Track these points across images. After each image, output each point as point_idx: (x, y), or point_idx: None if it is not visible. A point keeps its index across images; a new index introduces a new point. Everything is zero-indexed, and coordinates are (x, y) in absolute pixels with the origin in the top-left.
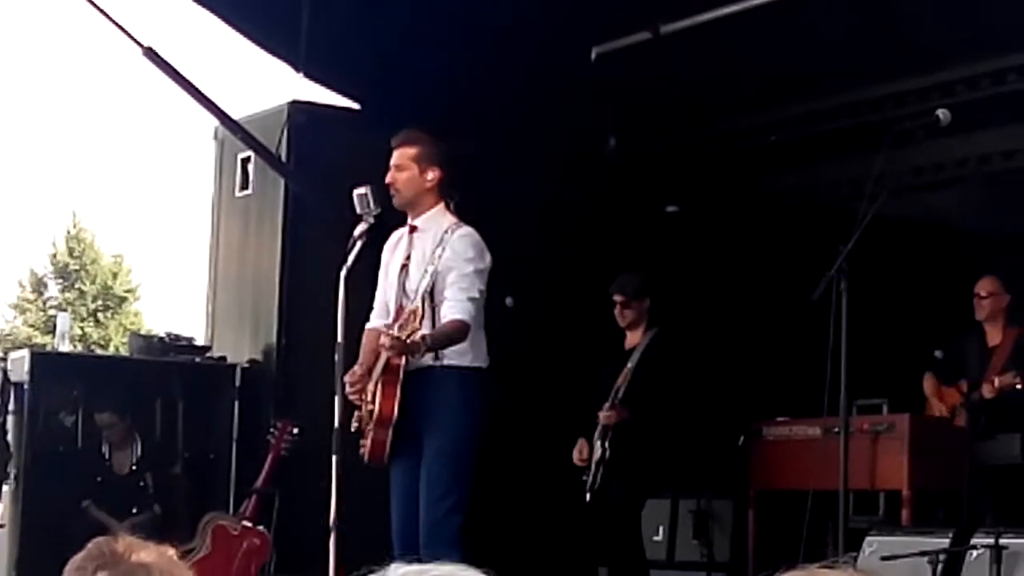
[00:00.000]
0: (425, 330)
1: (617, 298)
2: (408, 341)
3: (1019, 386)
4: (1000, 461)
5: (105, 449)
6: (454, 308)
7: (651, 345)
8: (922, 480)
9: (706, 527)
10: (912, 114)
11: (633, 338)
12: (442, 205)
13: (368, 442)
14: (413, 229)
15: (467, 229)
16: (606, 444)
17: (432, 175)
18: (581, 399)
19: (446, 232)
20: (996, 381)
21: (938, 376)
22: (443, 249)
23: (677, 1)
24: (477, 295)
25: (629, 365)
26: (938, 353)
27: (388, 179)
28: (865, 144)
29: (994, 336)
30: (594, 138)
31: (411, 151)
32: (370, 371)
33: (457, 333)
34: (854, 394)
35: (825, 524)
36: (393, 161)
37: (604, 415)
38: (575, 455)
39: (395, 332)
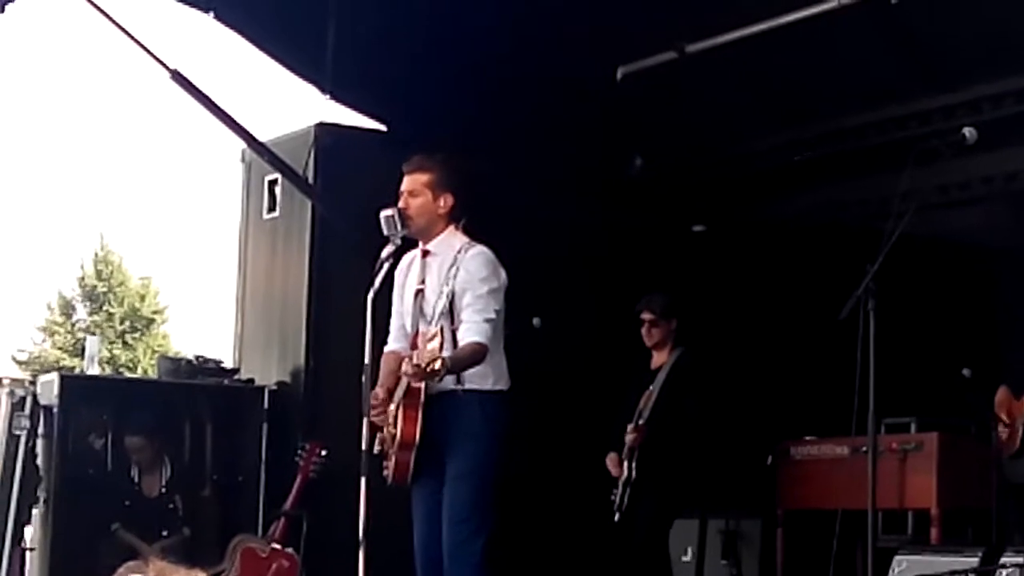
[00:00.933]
0: (445, 352)
1: (645, 316)
2: (428, 369)
3: None
4: None
5: (134, 472)
6: (471, 330)
7: (677, 365)
8: (951, 498)
9: (734, 547)
10: (938, 132)
11: (659, 358)
12: (453, 227)
13: (391, 464)
14: (426, 253)
15: (479, 248)
16: (632, 464)
17: (445, 201)
18: (607, 419)
19: (459, 252)
20: None
21: (1012, 388)
22: (457, 270)
23: (702, 21)
24: (493, 315)
25: (653, 386)
26: (966, 371)
27: (401, 205)
28: (891, 162)
29: None
30: (620, 158)
31: (424, 177)
32: (391, 393)
33: (475, 355)
34: (882, 413)
35: (854, 543)
36: (406, 187)
37: (629, 437)
38: (609, 466)
39: (415, 359)
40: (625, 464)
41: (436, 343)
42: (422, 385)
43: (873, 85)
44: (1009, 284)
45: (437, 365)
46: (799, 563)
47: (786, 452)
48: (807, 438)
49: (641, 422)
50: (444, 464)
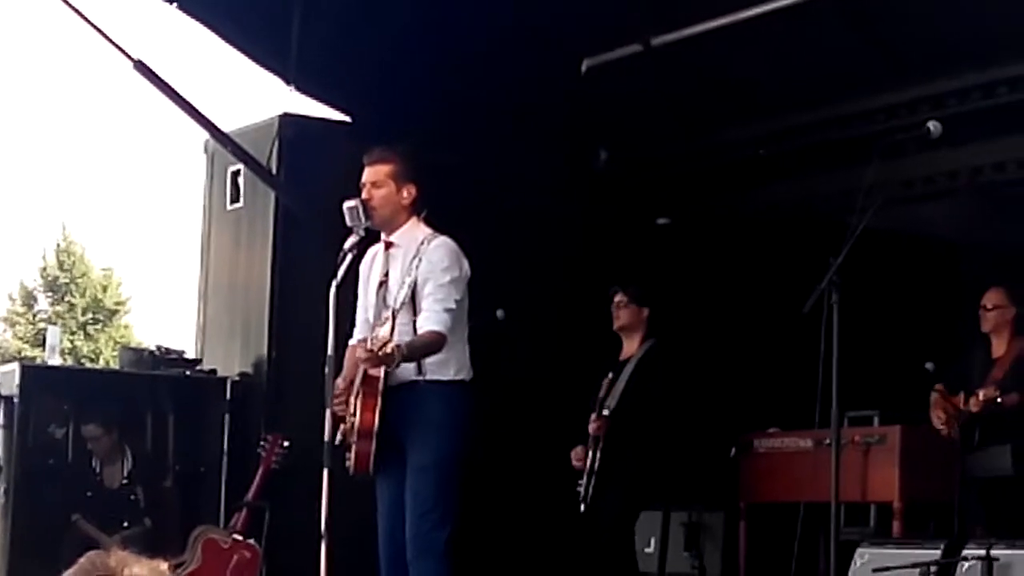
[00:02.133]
0: (404, 339)
1: (617, 297)
2: (381, 353)
3: (999, 400)
4: (991, 473)
5: (95, 463)
6: (430, 319)
7: (646, 357)
8: (913, 492)
9: (697, 539)
10: (903, 126)
11: (629, 348)
12: (415, 219)
13: (353, 454)
14: (389, 245)
15: (442, 239)
16: (596, 455)
17: (408, 192)
18: (574, 411)
19: (422, 243)
20: (981, 395)
21: (948, 387)
22: (419, 260)
23: (668, 13)
24: (453, 305)
25: (621, 376)
26: (929, 365)
27: (364, 196)
28: (856, 156)
29: (999, 347)
30: (585, 150)
31: (386, 168)
32: (353, 384)
33: (433, 344)
34: (845, 406)
35: (816, 536)
36: (368, 179)
37: (592, 427)
38: (573, 459)
39: (368, 344)
40: (589, 454)
41: (387, 328)
42: (380, 373)
43: (838, 79)
44: (973, 278)
45: (388, 348)
46: (762, 556)
47: (749, 444)
48: (770, 430)
49: (605, 412)
50: (407, 455)
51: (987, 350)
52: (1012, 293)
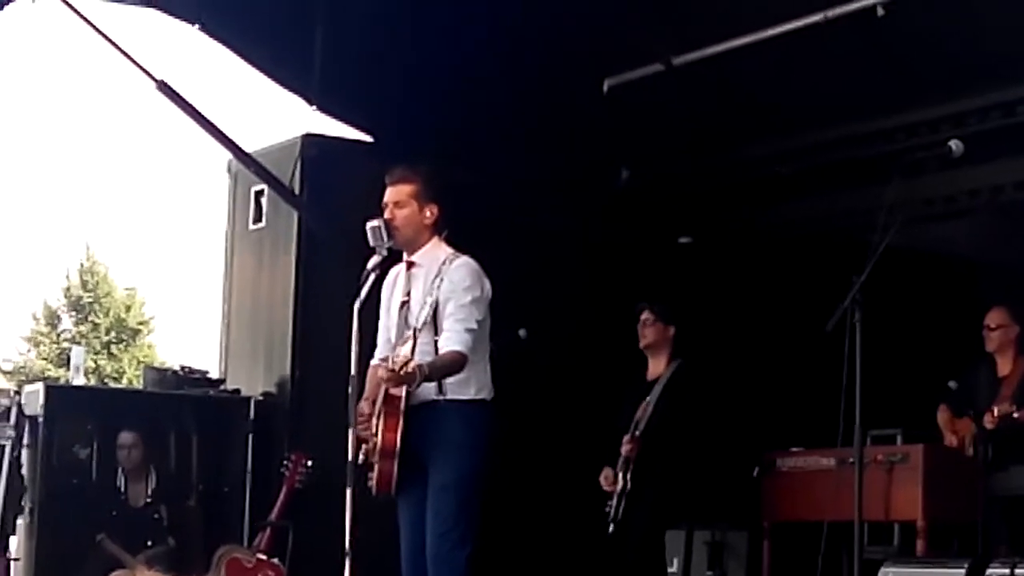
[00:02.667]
0: (427, 360)
1: (644, 315)
2: (402, 372)
3: (1016, 416)
4: (1015, 492)
5: (120, 482)
6: (452, 339)
7: (674, 377)
8: (937, 510)
9: (721, 558)
10: (924, 145)
11: (656, 368)
12: (437, 238)
13: (375, 474)
14: (411, 265)
15: (464, 259)
16: (627, 476)
17: (431, 212)
18: (597, 429)
19: (443, 263)
20: (996, 411)
21: (952, 407)
22: (441, 280)
23: (689, 33)
24: (475, 325)
25: (650, 397)
26: (952, 384)
27: (387, 216)
28: (877, 175)
29: (1004, 366)
30: (607, 170)
31: (409, 188)
32: (374, 404)
33: (454, 364)
34: (868, 425)
35: (840, 555)
36: (390, 198)
37: (625, 448)
38: (602, 481)
39: (390, 364)
40: (620, 475)
41: (408, 347)
42: (402, 393)
43: (860, 98)
44: (994, 296)
45: (410, 368)
46: (785, 575)
47: (772, 463)
48: (793, 449)
49: (637, 433)
50: (428, 475)
51: (992, 369)
52: (1015, 312)
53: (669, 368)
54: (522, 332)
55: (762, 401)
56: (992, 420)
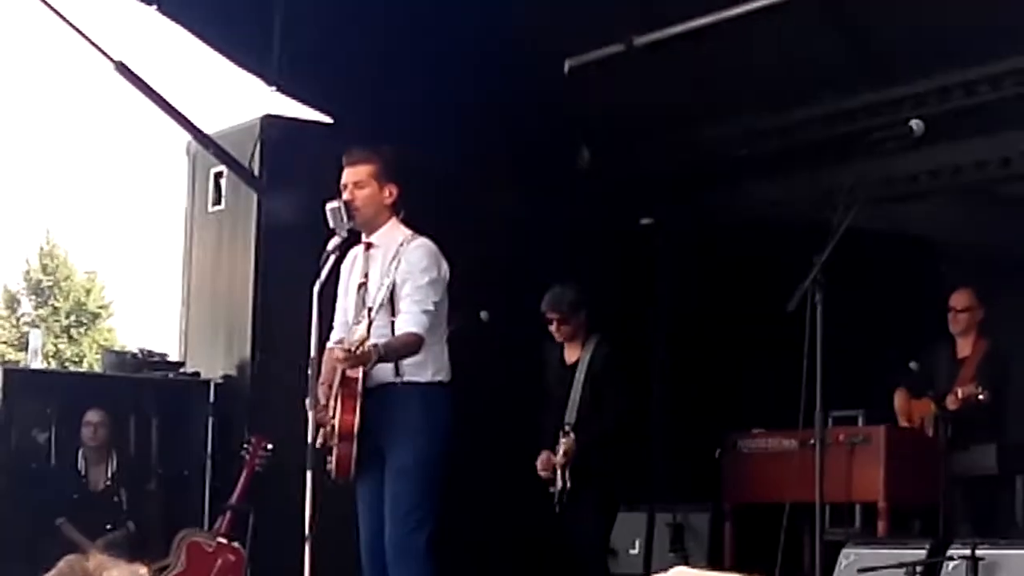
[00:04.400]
0: (382, 340)
1: (552, 315)
2: (358, 352)
3: (981, 397)
4: (976, 472)
5: (80, 465)
6: (408, 320)
7: (594, 359)
8: (898, 492)
9: (682, 540)
10: (884, 125)
11: (573, 352)
12: (395, 219)
13: (334, 458)
14: (369, 246)
15: (421, 240)
16: (566, 475)
17: (390, 192)
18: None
19: (401, 245)
20: (959, 392)
21: (910, 389)
22: (399, 261)
23: (650, 13)
24: (432, 307)
25: (576, 385)
26: (913, 364)
27: (347, 197)
28: (838, 155)
29: (964, 348)
30: (568, 151)
31: (368, 168)
32: (331, 386)
33: (411, 345)
34: (830, 405)
35: (802, 536)
36: (350, 179)
37: (560, 459)
38: (539, 467)
39: (345, 345)
40: (558, 475)
41: (363, 327)
42: (358, 375)
43: (821, 78)
44: (955, 277)
45: (365, 348)
46: (747, 556)
47: (734, 445)
48: (755, 431)
49: (568, 429)
50: (386, 458)
51: (952, 350)
52: (979, 293)
53: (587, 349)
54: (484, 314)
55: (724, 382)
56: (956, 401)
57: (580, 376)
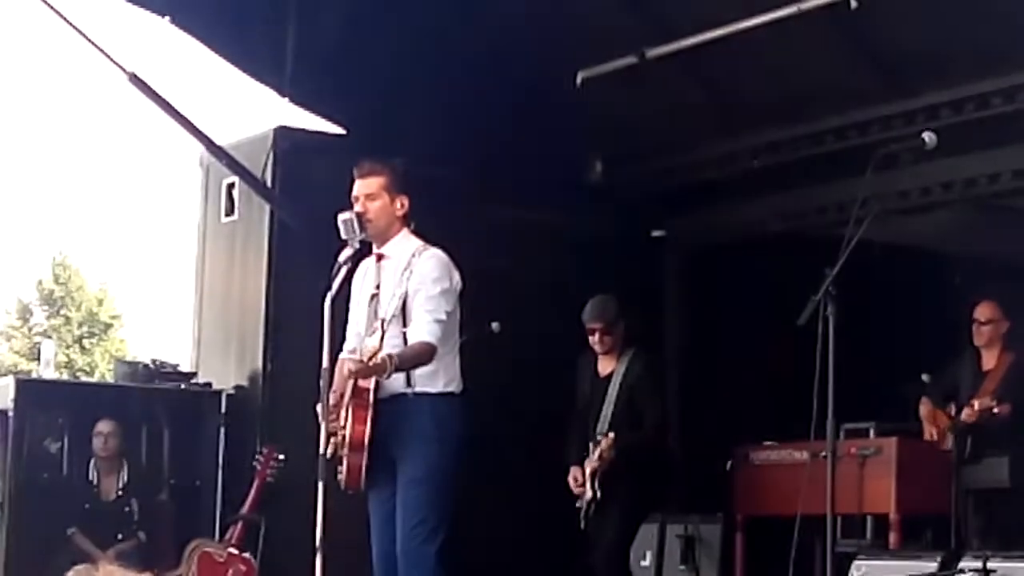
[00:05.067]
0: (395, 351)
1: (595, 326)
2: (371, 363)
3: (995, 410)
4: (987, 484)
5: (92, 475)
6: (420, 330)
7: (629, 372)
8: (910, 504)
9: (694, 552)
10: (898, 137)
11: (608, 363)
12: (407, 230)
13: (344, 468)
14: (380, 257)
15: (433, 251)
16: (596, 485)
17: (401, 203)
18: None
19: (413, 255)
20: (976, 404)
21: (933, 400)
22: (411, 272)
23: (662, 26)
24: (444, 316)
25: (610, 397)
26: (926, 377)
27: (359, 209)
28: (851, 168)
29: (989, 360)
30: (580, 163)
31: (379, 180)
32: (343, 397)
33: (423, 355)
34: (841, 418)
35: (813, 548)
36: (362, 191)
37: (592, 466)
38: (571, 483)
39: (358, 356)
40: (588, 484)
41: (376, 338)
42: (370, 385)
43: (833, 90)
44: (968, 289)
45: (378, 359)
46: (758, 568)
47: (745, 457)
48: (766, 443)
49: (600, 439)
50: (397, 469)
51: (976, 362)
52: (1004, 306)
53: (623, 361)
54: (495, 325)
55: (736, 394)
56: (972, 414)
57: (614, 388)
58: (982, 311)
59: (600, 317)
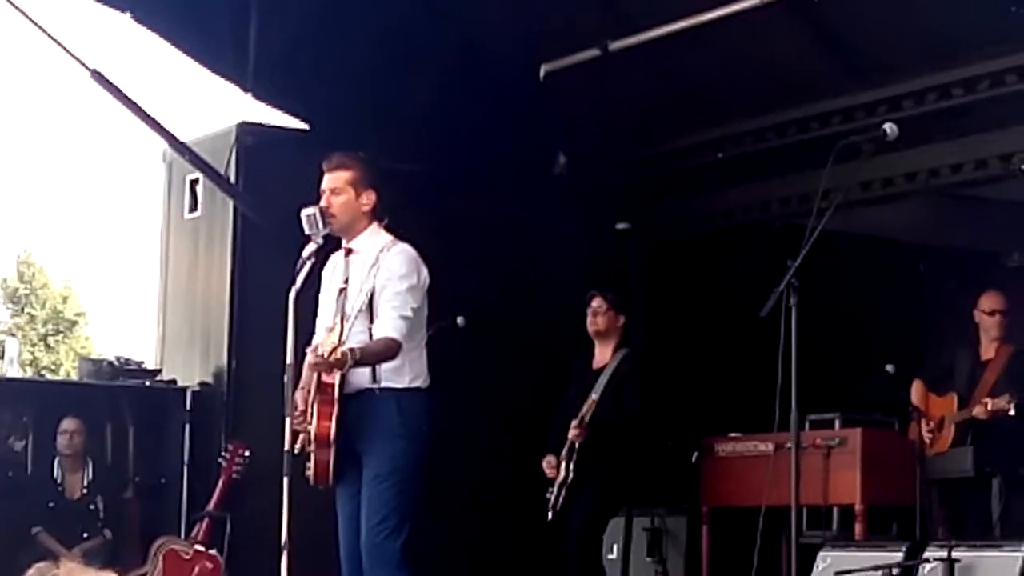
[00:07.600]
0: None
1: (595, 303)
2: (332, 358)
3: (1011, 412)
4: (952, 474)
5: (57, 473)
6: (386, 326)
7: (621, 367)
8: (875, 494)
9: (660, 544)
10: (859, 128)
11: (603, 356)
12: (375, 225)
13: (311, 464)
14: (349, 252)
15: (402, 246)
16: (571, 465)
17: (367, 198)
18: (535, 418)
19: (381, 251)
20: (990, 404)
21: (928, 384)
22: (378, 268)
23: (626, 18)
24: (410, 313)
25: (597, 387)
26: (889, 367)
27: (323, 203)
28: (813, 159)
29: (989, 350)
30: (544, 156)
31: (345, 175)
32: (309, 393)
33: (388, 350)
34: (806, 409)
35: (779, 540)
36: (328, 185)
37: (572, 433)
38: (545, 468)
39: (319, 350)
40: (563, 464)
41: (336, 332)
42: (335, 381)
43: (795, 82)
44: (932, 279)
45: (339, 353)
46: (724, 560)
47: (710, 449)
48: (731, 435)
49: (586, 420)
50: (363, 465)
51: (975, 351)
52: (1006, 297)
53: (616, 357)
54: (460, 320)
55: (700, 386)
56: (985, 412)
57: (604, 379)
58: (988, 302)
59: (601, 296)
